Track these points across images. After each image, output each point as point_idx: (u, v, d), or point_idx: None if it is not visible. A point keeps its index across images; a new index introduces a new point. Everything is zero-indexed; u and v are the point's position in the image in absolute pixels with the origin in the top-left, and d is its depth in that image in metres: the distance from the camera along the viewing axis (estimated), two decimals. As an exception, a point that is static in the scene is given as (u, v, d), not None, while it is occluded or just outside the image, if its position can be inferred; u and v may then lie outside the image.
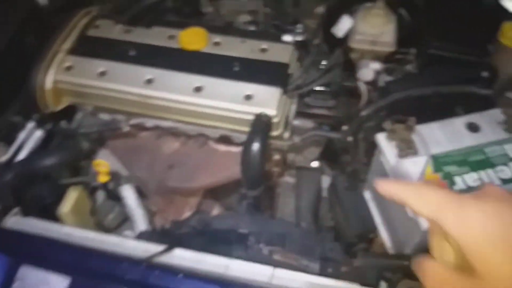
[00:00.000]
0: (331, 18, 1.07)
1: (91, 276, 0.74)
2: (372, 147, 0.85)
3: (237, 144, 1.00)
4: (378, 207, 0.86)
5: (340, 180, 0.90)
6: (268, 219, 0.89)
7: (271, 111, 0.85)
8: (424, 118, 0.78)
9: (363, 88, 0.94)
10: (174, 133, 1.03)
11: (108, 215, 1.14)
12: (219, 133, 0.96)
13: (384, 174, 0.78)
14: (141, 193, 1.06)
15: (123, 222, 1.17)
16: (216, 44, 0.98)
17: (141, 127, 1.02)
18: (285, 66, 0.93)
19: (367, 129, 0.85)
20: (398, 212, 0.74)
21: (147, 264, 0.73)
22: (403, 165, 0.73)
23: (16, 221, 0.88)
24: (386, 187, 0.44)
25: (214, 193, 1.09)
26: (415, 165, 0.72)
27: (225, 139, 0.99)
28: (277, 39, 1.00)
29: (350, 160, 0.90)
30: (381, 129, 0.79)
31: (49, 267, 0.76)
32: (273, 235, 0.77)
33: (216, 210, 1.08)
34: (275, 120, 0.86)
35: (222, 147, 1.01)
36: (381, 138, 0.77)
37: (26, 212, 0.92)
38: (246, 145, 0.81)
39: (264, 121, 0.83)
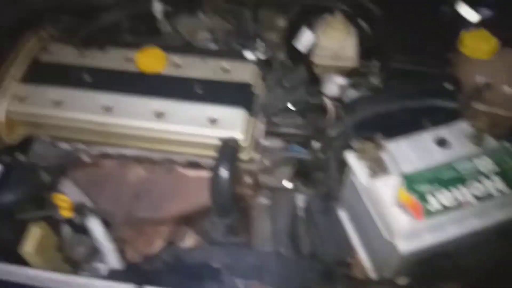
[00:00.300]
0: (293, 32, 1.05)
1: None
2: (344, 164, 0.83)
3: (206, 169, 0.97)
4: (354, 228, 0.85)
5: (314, 203, 0.88)
6: (242, 249, 0.85)
7: (238, 135, 0.83)
8: (392, 133, 0.77)
9: (329, 104, 0.93)
10: (139, 160, 0.98)
11: (76, 248, 1.08)
12: (186, 159, 0.92)
13: (356, 194, 0.76)
14: (109, 224, 1.01)
15: (94, 253, 1.11)
16: (176, 65, 0.95)
17: (104, 155, 0.97)
18: (249, 86, 0.90)
19: (336, 148, 0.83)
20: (375, 234, 0.72)
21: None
22: (375, 186, 0.71)
23: (-26, 268, 0.81)
24: None
25: (187, 219, 1.05)
26: (387, 185, 0.70)
27: (193, 164, 0.95)
28: (239, 56, 0.97)
29: (323, 180, 0.87)
30: (351, 148, 0.78)
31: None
32: (249, 267, 0.74)
33: (189, 238, 1.04)
34: (243, 143, 0.83)
35: (191, 172, 0.98)
36: (351, 158, 0.76)
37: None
38: (214, 173, 0.78)
39: (231, 146, 0.80)
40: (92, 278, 0.78)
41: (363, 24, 1.00)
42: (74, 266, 1.03)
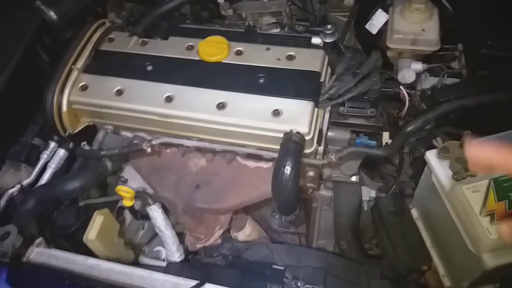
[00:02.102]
0: (363, 14, 0.96)
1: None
2: (418, 162, 0.75)
3: (267, 160, 0.93)
4: (427, 230, 0.77)
5: (384, 204, 0.81)
6: (305, 250, 0.81)
7: (303, 128, 0.77)
8: (481, 130, 0.67)
9: (405, 93, 0.84)
10: (199, 150, 0.96)
11: (138, 232, 1.10)
12: (246, 151, 0.88)
13: (436, 195, 0.69)
14: (169, 211, 1.01)
15: (154, 237, 1.13)
16: (239, 53, 0.90)
17: (165, 145, 0.95)
18: (316, 75, 0.84)
19: (413, 144, 0.75)
20: (456, 242, 0.65)
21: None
22: (460, 190, 0.63)
23: (40, 253, 0.84)
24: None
25: (246, 209, 1.02)
26: (475, 191, 0.62)
27: (254, 155, 0.91)
28: (305, 42, 0.90)
29: (392, 176, 0.80)
30: (430, 145, 0.70)
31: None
32: (312, 270, 0.69)
33: (248, 227, 1.02)
34: (307, 137, 0.77)
35: (252, 163, 0.94)
36: (431, 157, 0.68)
37: (49, 241, 0.88)
38: (277, 169, 0.73)
39: (295, 141, 0.74)
40: (153, 272, 0.77)
41: (446, 3, 0.89)
42: (136, 249, 1.05)
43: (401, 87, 0.85)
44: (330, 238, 1.00)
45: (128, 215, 1.09)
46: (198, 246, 0.98)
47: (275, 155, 0.85)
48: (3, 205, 0.98)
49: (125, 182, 1.12)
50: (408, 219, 0.78)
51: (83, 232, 0.88)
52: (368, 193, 1.00)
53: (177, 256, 1.00)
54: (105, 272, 0.78)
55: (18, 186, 1.01)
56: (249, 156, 0.93)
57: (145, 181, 1.02)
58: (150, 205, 0.97)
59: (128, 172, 1.11)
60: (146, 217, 1.02)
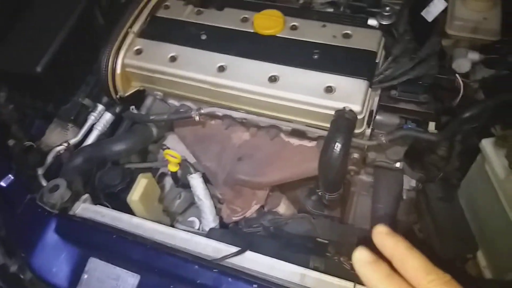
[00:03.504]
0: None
1: (161, 276, 0.71)
2: (469, 151, 0.74)
3: (311, 139, 0.93)
4: (472, 219, 0.76)
5: (432, 189, 0.80)
6: (349, 226, 0.81)
7: (355, 107, 0.76)
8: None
9: (460, 82, 0.83)
10: (244, 123, 0.97)
11: (175, 200, 1.13)
12: (292, 127, 0.88)
13: (487, 185, 0.68)
14: (208, 181, 1.03)
15: (189, 206, 1.15)
16: (294, 28, 0.90)
17: (211, 115, 0.96)
18: (372, 54, 0.83)
19: (466, 132, 0.74)
20: (506, 233, 0.64)
21: (219, 269, 0.69)
22: (516, 180, 0.62)
23: (85, 208, 0.86)
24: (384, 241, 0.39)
25: (283, 186, 1.03)
26: (533, 181, 0.61)
27: (298, 133, 0.91)
28: (361, 22, 0.90)
29: (442, 165, 0.79)
30: (486, 133, 0.68)
31: (119, 263, 0.74)
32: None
33: (283, 204, 1.03)
34: (359, 116, 0.77)
35: (295, 141, 0.94)
36: (487, 145, 0.67)
37: (95, 199, 0.91)
38: (326, 145, 0.73)
39: (348, 119, 0.74)
40: (195, 235, 0.78)
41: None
42: (171, 216, 1.07)
43: (457, 75, 0.84)
44: (365, 224, 1.00)
45: (167, 183, 1.11)
46: (234, 218, 1.00)
47: (322, 133, 0.86)
48: (50, 161, 1.01)
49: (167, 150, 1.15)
50: (456, 206, 0.77)
51: (127, 193, 0.90)
52: (409, 182, 0.99)
53: (212, 225, 1.02)
54: (149, 232, 0.79)
55: (65, 144, 1.04)
56: (293, 133, 0.94)
57: (189, 150, 1.04)
58: (191, 173, 0.99)
59: (170, 141, 1.14)
60: (185, 185, 1.05)
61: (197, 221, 1.10)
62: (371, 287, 0.38)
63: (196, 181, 0.99)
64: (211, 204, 1.02)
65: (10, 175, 0.87)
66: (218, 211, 1.03)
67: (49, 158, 1.01)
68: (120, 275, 0.73)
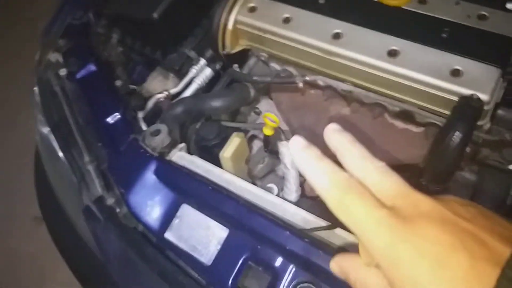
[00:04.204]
0: None
1: (250, 234, 0.71)
2: None
3: (418, 124, 0.87)
4: None
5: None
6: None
7: (484, 96, 0.70)
8: None
9: None
10: (346, 97, 0.93)
11: (258, 164, 1.13)
12: (402, 107, 0.83)
13: None
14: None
15: (269, 173, 1.15)
16: (422, 1, 0.83)
17: (313, 84, 0.93)
18: (509, 41, 0.74)
19: None
20: None
21: (310, 240, 0.67)
22: None
23: (181, 157, 0.88)
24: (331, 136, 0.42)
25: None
26: None
27: (405, 115, 0.86)
28: (499, 4, 0.81)
29: None
30: None
31: (210, 214, 0.75)
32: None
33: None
34: (486, 107, 0.70)
35: (400, 124, 0.89)
36: None
37: (189, 150, 0.93)
38: (445, 132, 0.68)
39: (474, 107, 0.68)
40: (285, 202, 0.77)
41: None
42: (253, 179, 1.07)
43: None
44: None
45: (255, 146, 1.11)
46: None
47: (434, 119, 0.80)
48: (151, 107, 1.05)
49: (259, 114, 1.14)
50: None
51: (220, 149, 0.91)
52: (517, 187, 0.91)
53: (294, 196, 1.01)
54: (240, 189, 0.80)
55: (166, 93, 1.07)
56: (399, 115, 0.88)
57: (283, 116, 1.03)
58: (282, 140, 0.98)
59: (264, 105, 1.13)
60: (273, 152, 1.04)
61: (275, 188, 1.09)
62: (302, 170, 0.40)
63: (286, 149, 0.98)
64: (297, 175, 1.00)
65: (117, 113, 0.91)
66: (301, 183, 1.02)
67: (150, 104, 1.05)
68: (210, 225, 0.74)
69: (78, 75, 1.00)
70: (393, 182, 0.38)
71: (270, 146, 1.04)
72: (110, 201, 0.86)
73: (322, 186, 0.39)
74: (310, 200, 0.89)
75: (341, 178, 0.38)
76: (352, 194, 0.37)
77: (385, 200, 0.37)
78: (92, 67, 1.00)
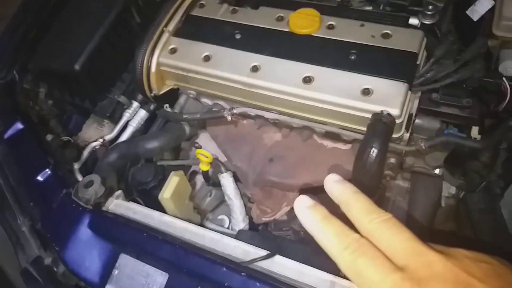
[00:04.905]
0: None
1: (189, 276, 0.71)
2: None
3: (346, 142, 0.90)
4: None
5: (474, 200, 0.76)
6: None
7: (394, 111, 0.73)
8: None
9: (507, 86, 0.78)
10: (277, 124, 0.95)
11: (205, 198, 1.13)
12: (326, 129, 0.86)
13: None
14: (239, 180, 1.02)
15: (220, 204, 1.15)
16: (330, 27, 0.87)
17: (243, 115, 0.96)
18: (413, 56, 0.79)
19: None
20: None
21: (248, 273, 0.68)
22: None
23: (118, 204, 0.87)
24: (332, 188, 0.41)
25: (315, 189, 1.01)
26: None
27: (332, 135, 0.89)
28: (402, 22, 0.86)
29: (485, 172, 0.75)
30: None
31: (148, 261, 0.74)
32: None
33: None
34: (397, 121, 0.74)
35: (329, 143, 0.92)
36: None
37: (127, 194, 0.92)
38: (362, 150, 0.71)
39: (385, 123, 0.71)
40: (225, 236, 0.78)
41: None
42: (201, 214, 1.07)
43: (503, 78, 0.79)
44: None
45: (199, 181, 1.11)
46: (264, 219, 0.99)
47: (358, 136, 0.83)
48: (86, 156, 1.04)
49: (199, 148, 1.15)
50: (499, 218, 0.73)
51: (159, 190, 0.91)
52: (448, 189, 0.95)
53: (242, 225, 1.01)
54: (179, 231, 0.80)
55: (101, 140, 1.06)
56: (327, 136, 0.91)
57: (220, 149, 1.04)
58: (222, 172, 0.99)
59: (203, 139, 1.14)
60: (216, 184, 1.04)
61: (227, 219, 1.09)
62: (310, 231, 0.39)
63: (226, 180, 0.99)
64: (241, 204, 1.01)
65: (47, 170, 0.89)
66: (248, 210, 1.03)
67: (85, 153, 1.04)
68: (149, 272, 0.74)
69: (6, 135, 0.98)
70: (403, 240, 0.37)
71: (211, 180, 1.05)
72: (47, 260, 0.84)
73: (333, 249, 0.38)
74: (250, 231, 0.89)
75: (352, 240, 0.37)
76: (365, 258, 0.36)
77: (397, 259, 0.36)
78: (19, 125, 0.98)
